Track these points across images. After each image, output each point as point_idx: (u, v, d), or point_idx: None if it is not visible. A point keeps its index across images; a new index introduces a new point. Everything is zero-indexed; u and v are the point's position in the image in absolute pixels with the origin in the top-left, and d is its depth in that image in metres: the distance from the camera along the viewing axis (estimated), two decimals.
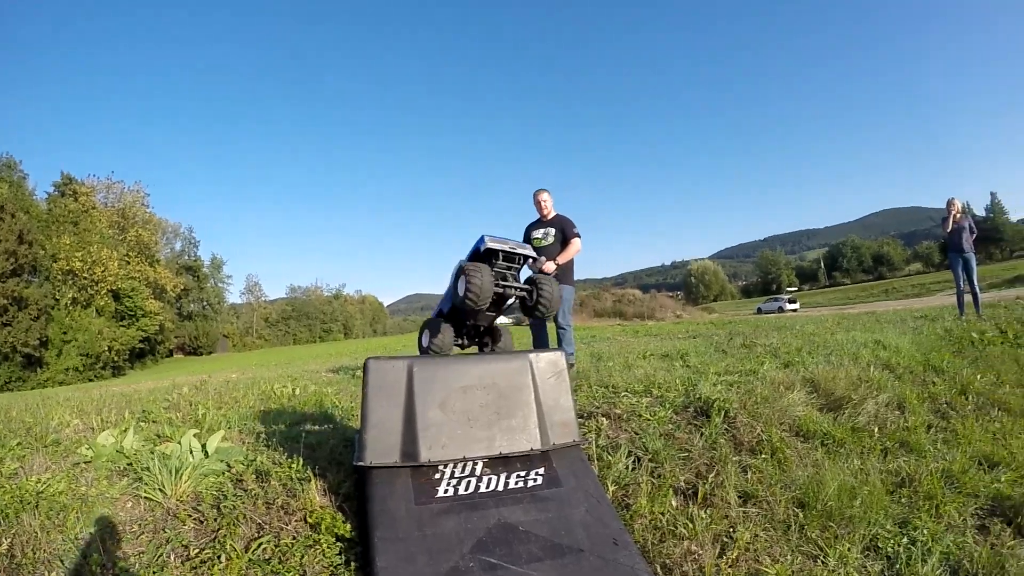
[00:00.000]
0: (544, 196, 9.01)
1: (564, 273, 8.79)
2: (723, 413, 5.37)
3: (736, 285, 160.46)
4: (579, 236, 8.81)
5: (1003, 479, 5.12)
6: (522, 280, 5.48)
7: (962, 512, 4.61)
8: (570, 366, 8.12)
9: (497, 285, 4.99)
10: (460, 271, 4.99)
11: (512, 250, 5.26)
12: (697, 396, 5.74)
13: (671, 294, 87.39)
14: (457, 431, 3.79)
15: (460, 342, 6.22)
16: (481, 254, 5.24)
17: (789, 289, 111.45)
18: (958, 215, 14.16)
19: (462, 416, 3.86)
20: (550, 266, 8.48)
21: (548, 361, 4.34)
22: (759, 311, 67.47)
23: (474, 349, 5.97)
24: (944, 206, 14.38)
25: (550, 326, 8.99)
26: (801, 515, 4.22)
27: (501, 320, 6.44)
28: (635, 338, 17.31)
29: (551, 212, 9.02)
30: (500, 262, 5.22)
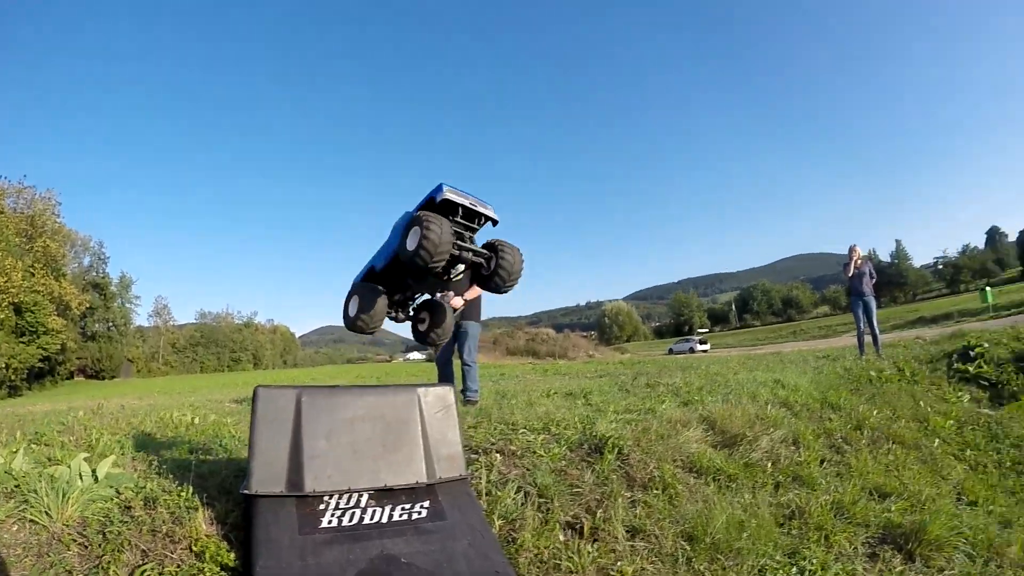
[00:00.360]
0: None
1: (471, 310, 8.82)
2: (616, 450, 5.36)
3: (649, 326, 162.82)
4: None
5: (894, 508, 5.38)
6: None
7: (852, 541, 4.78)
8: (473, 403, 8.04)
9: (453, 245, 4.48)
10: (414, 220, 4.52)
11: (473, 207, 4.78)
12: (593, 434, 5.72)
13: (585, 334, 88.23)
14: (343, 462, 3.77)
15: (394, 314, 5.73)
16: (436, 205, 4.68)
17: (700, 330, 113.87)
18: (859, 261, 14.89)
19: (348, 447, 3.83)
20: (457, 301, 8.50)
21: (436, 395, 4.33)
22: (671, 351, 68.65)
23: (365, 374, 5.55)
24: (847, 252, 15.11)
25: (456, 362, 8.91)
26: (689, 548, 4.26)
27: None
28: (544, 377, 17.36)
29: None
30: (459, 219, 4.74)
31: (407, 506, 3.74)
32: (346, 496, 3.67)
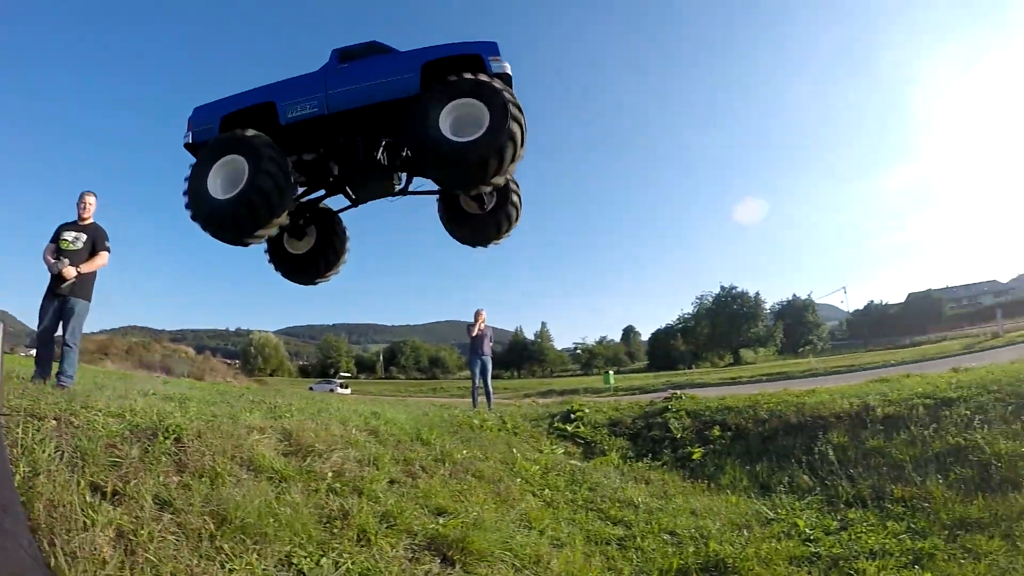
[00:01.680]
0: (91, 199, 8.60)
1: (83, 285, 8.37)
2: (175, 437, 5.45)
3: (296, 364, 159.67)
4: (108, 251, 8.53)
5: (446, 523, 5.90)
6: None
7: (394, 545, 5.22)
8: (65, 388, 7.49)
9: None
10: (485, 90, 3.55)
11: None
12: (163, 423, 5.69)
13: (229, 361, 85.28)
14: None
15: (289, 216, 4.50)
16: (491, 74, 3.75)
17: (344, 374, 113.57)
18: (483, 324, 16.51)
19: None
20: (71, 271, 8.08)
21: None
22: (311, 390, 68.11)
23: None
24: (473, 315, 16.69)
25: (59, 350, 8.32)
26: (215, 527, 4.45)
27: None
28: (162, 386, 16.62)
29: (90, 218, 8.63)
30: None
31: None
32: None
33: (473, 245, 6.79)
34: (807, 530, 7.36)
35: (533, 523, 7.00)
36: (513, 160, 3.60)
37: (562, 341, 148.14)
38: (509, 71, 4.42)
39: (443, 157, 3.74)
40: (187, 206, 5.70)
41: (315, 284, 6.02)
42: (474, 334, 16.44)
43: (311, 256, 5.16)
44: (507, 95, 3.96)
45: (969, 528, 6.72)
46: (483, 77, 4.20)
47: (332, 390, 68.03)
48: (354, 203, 5.79)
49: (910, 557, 6.31)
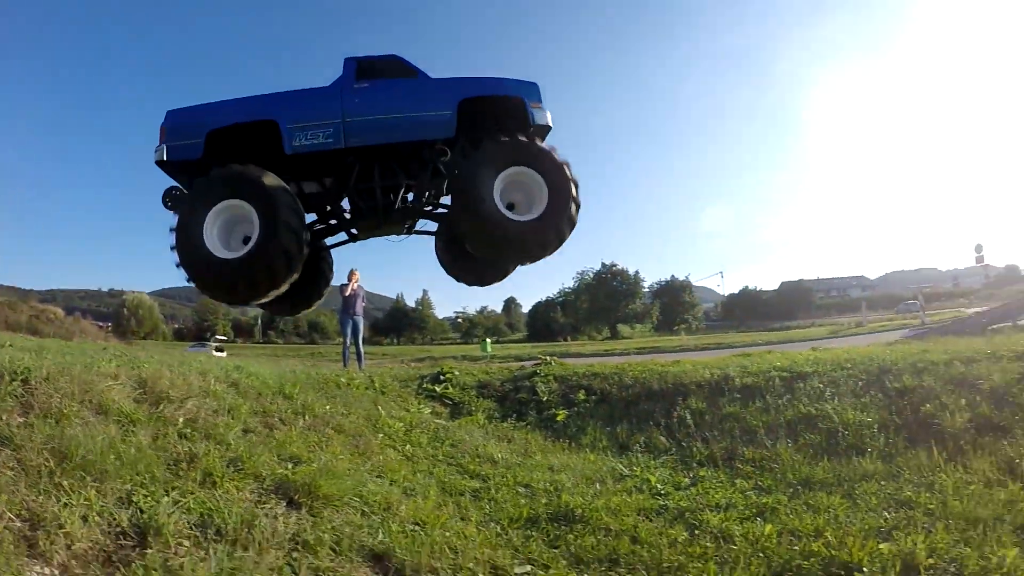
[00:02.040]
0: None
1: None
2: (22, 379, 5.52)
3: (171, 327, 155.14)
4: None
5: (292, 468, 6.10)
6: None
7: (240, 488, 5.34)
8: None
9: None
10: (560, 166, 3.39)
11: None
12: (12, 366, 5.73)
13: (101, 324, 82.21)
14: None
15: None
16: (533, 127, 3.61)
17: (219, 337, 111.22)
18: (355, 284, 16.65)
19: None
20: None
21: None
22: (187, 351, 66.50)
23: None
24: (347, 274, 16.76)
25: None
26: (54, 464, 4.51)
27: None
28: (25, 339, 16.16)
29: None
30: None
31: None
32: None
33: (469, 284, 6.54)
34: (658, 485, 7.78)
35: (388, 474, 7.19)
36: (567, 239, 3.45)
37: (443, 310, 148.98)
38: (551, 123, 4.13)
39: (499, 236, 3.47)
40: (179, 265, 5.11)
41: (298, 314, 5.72)
42: (347, 294, 16.57)
43: (297, 286, 4.80)
44: (569, 171, 3.80)
45: (813, 487, 7.22)
46: (543, 145, 3.98)
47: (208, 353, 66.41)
48: (353, 238, 5.43)
49: (754, 510, 6.73)
